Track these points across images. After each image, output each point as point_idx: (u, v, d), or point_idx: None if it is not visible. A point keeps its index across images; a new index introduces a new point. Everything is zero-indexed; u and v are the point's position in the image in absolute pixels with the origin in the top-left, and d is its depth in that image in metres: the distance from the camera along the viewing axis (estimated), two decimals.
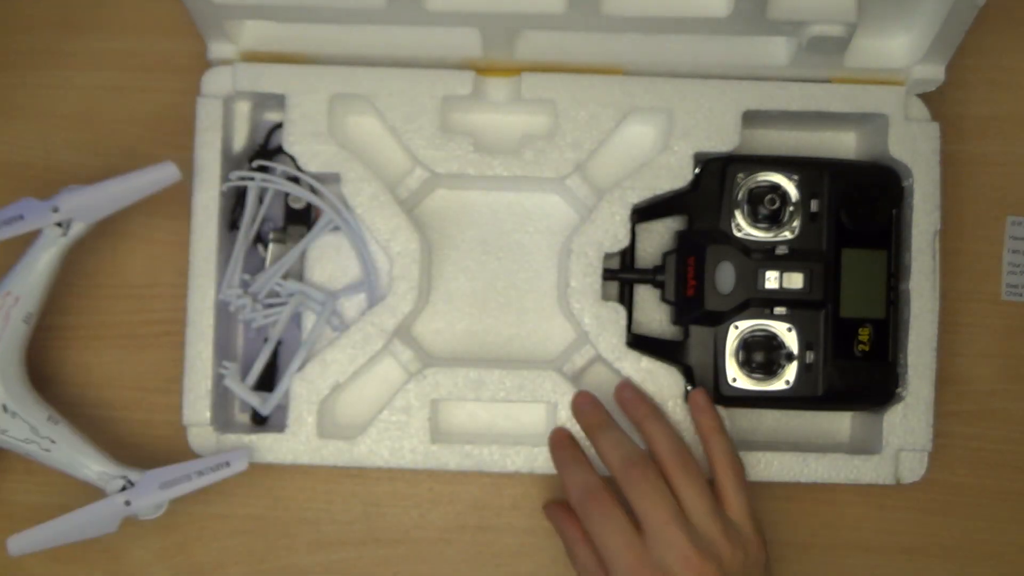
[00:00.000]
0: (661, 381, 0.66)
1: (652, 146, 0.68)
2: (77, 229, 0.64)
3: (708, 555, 0.58)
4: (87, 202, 0.64)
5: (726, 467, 0.62)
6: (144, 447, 0.69)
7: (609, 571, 0.59)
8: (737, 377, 0.65)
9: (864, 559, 0.70)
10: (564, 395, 0.65)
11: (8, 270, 0.64)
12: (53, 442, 0.64)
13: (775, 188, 0.65)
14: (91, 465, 0.64)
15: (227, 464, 0.63)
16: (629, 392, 0.65)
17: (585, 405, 0.65)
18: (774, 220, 0.65)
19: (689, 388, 0.66)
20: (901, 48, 0.65)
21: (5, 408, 0.63)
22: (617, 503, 0.59)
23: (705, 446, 0.63)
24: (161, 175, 0.64)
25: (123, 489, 0.63)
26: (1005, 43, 0.71)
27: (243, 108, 0.68)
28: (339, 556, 0.70)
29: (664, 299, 0.68)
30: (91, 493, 0.65)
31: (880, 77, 0.66)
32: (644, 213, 0.68)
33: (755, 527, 0.61)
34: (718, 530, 0.59)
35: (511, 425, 0.68)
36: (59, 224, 0.63)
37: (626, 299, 0.68)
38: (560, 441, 0.65)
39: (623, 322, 0.66)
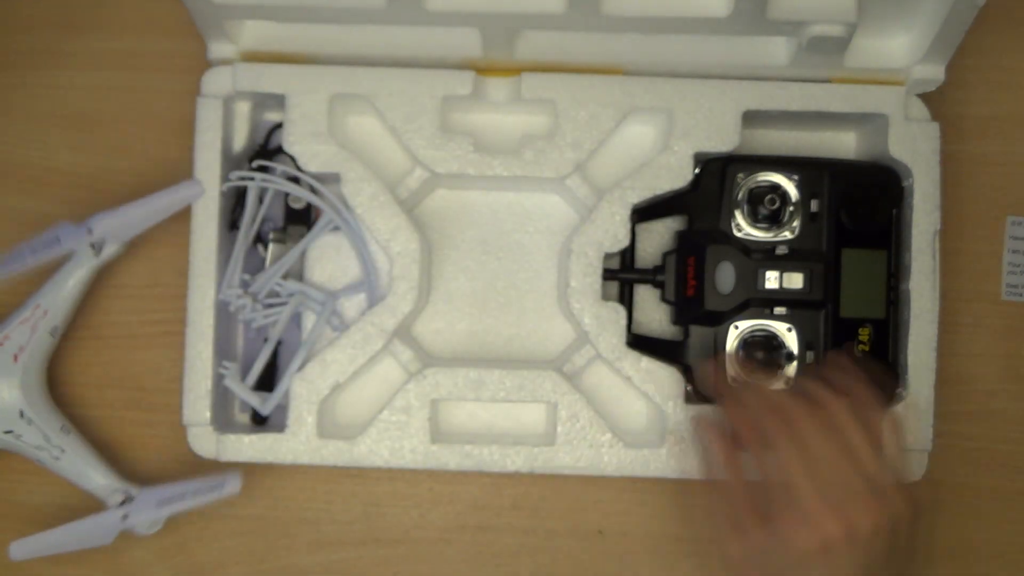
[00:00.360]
0: (661, 381, 0.66)
1: (652, 146, 0.68)
2: (109, 251, 0.66)
3: (882, 498, 0.55)
4: (119, 224, 0.65)
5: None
6: (144, 447, 0.70)
7: (779, 498, 0.56)
8: (738, 377, 0.65)
9: None
10: (564, 395, 0.65)
11: (41, 284, 0.65)
12: (63, 451, 0.65)
13: (775, 188, 0.65)
14: (95, 477, 0.65)
15: (222, 485, 0.65)
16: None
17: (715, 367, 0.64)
18: (774, 220, 0.65)
19: (689, 388, 0.66)
20: (901, 48, 0.65)
21: (22, 414, 0.65)
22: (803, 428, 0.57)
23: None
24: (188, 193, 0.65)
25: (122, 503, 0.65)
26: (1005, 43, 0.71)
27: (243, 108, 0.68)
28: (339, 556, 0.70)
29: (664, 299, 0.68)
30: (92, 498, 0.65)
31: (880, 77, 0.66)
32: (644, 213, 0.67)
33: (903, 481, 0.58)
34: (884, 474, 0.56)
35: (511, 425, 0.68)
36: (92, 245, 0.65)
37: (626, 299, 0.68)
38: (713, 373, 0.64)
39: (623, 322, 0.66)
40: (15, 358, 0.65)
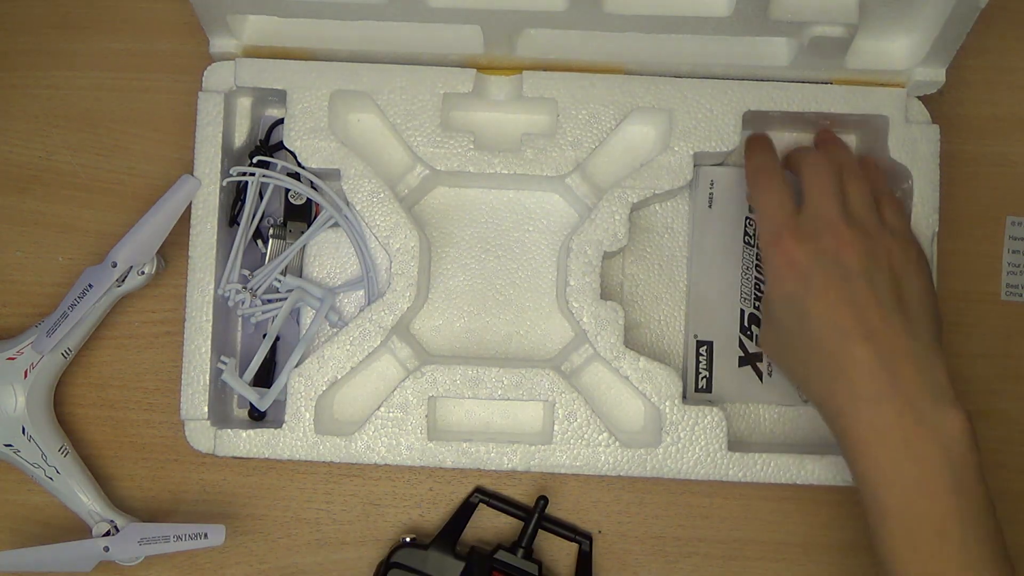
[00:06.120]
0: (659, 381, 0.65)
1: (652, 146, 0.68)
2: (132, 282, 0.66)
3: (860, 231, 0.59)
4: (137, 248, 0.65)
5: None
6: (144, 447, 0.70)
7: (759, 235, 0.61)
8: None
9: (864, 559, 0.69)
10: (561, 394, 0.65)
11: (59, 300, 0.65)
12: (58, 472, 0.66)
13: None
14: (85, 503, 0.66)
15: (205, 536, 0.65)
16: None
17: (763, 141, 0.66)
18: None
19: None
20: (902, 50, 0.65)
21: (24, 430, 0.65)
22: (786, 184, 0.62)
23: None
24: (187, 190, 0.65)
25: (106, 534, 0.65)
26: (1005, 43, 0.71)
27: (244, 103, 0.68)
28: (339, 556, 0.69)
29: None
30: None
31: (881, 79, 0.66)
32: None
33: (911, 234, 0.62)
34: (874, 220, 0.61)
35: (508, 423, 0.68)
36: (117, 280, 0.65)
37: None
38: (756, 138, 0.66)
39: (621, 321, 0.66)
40: (25, 374, 0.65)
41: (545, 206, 0.69)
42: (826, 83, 0.66)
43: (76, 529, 0.67)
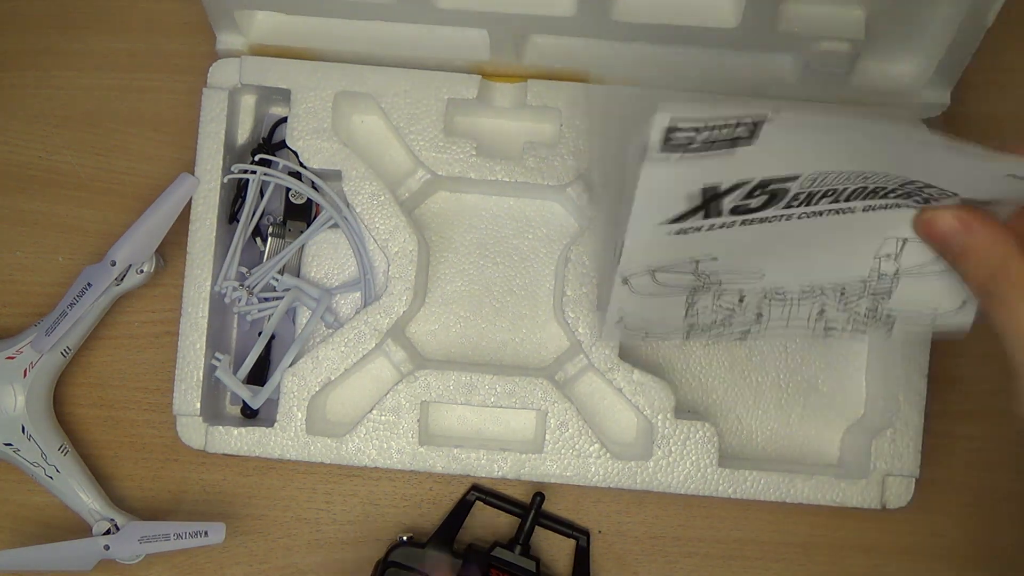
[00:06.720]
0: (652, 394, 0.65)
1: None
2: (131, 280, 0.66)
3: None
4: (136, 246, 0.65)
5: None
6: (144, 447, 0.70)
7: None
8: None
9: (864, 559, 0.69)
10: (554, 403, 0.65)
11: (62, 296, 0.65)
12: (58, 471, 0.66)
13: None
14: (86, 501, 0.66)
15: (205, 534, 0.65)
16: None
17: None
18: None
19: None
20: (907, 72, 0.65)
21: (23, 429, 0.65)
22: None
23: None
24: (186, 188, 0.65)
25: (107, 532, 0.65)
26: (1005, 43, 0.69)
27: (248, 101, 0.68)
28: (339, 556, 0.70)
29: None
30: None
31: (886, 101, 0.66)
32: None
33: None
34: None
35: (500, 430, 0.68)
36: (116, 278, 0.65)
37: None
38: None
39: None
40: (24, 373, 0.65)
41: (545, 215, 0.69)
42: (831, 104, 0.66)
43: (76, 529, 0.67)
